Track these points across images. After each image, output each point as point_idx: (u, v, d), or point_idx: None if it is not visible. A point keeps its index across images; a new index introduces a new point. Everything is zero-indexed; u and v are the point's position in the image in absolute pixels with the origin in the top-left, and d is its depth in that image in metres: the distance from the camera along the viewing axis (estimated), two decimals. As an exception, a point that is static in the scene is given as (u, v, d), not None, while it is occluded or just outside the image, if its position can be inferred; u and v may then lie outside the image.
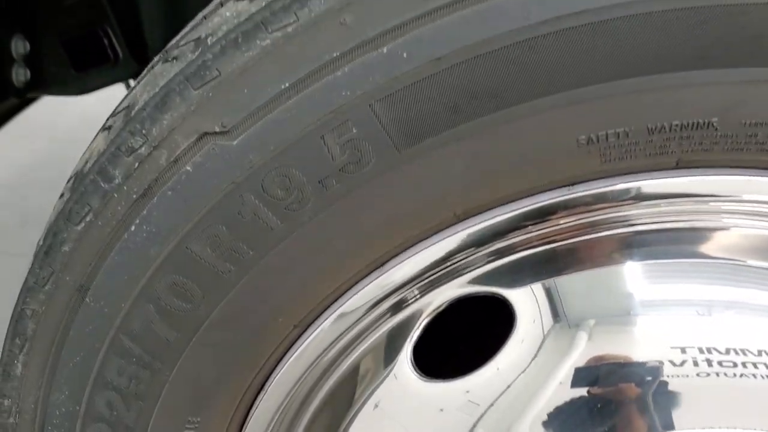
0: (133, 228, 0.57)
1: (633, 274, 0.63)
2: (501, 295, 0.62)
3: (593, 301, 0.64)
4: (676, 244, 0.61)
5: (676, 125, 0.53)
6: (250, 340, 0.62)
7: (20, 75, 1.38)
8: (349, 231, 0.57)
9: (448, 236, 0.59)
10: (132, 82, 1.75)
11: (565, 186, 0.57)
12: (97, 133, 0.61)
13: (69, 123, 3.28)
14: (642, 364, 0.63)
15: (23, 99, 1.48)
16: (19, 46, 1.37)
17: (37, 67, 1.42)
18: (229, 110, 0.53)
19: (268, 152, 0.54)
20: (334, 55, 0.51)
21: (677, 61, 0.50)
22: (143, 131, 0.55)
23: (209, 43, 0.53)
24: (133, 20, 1.38)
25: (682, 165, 0.56)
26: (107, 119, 0.61)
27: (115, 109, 0.61)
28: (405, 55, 0.51)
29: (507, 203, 0.58)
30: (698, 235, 0.61)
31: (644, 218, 0.60)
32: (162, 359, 0.62)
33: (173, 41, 0.61)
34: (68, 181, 0.62)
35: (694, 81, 0.51)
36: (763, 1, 0.48)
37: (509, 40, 0.50)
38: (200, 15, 0.61)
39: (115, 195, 0.57)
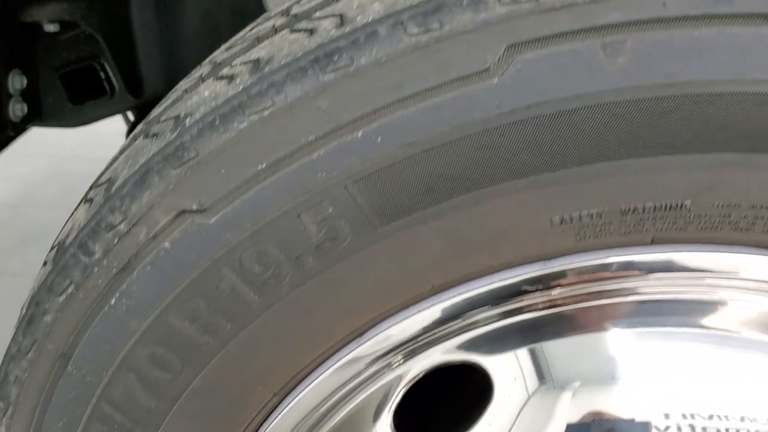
0: (113, 301, 0.58)
1: (620, 341, 0.63)
2: (478, 364, 0.62)
3: (578, 365, 0.65)
4: (668, 315, 0.61)
5: (649, 207, 0.53)
6: (230, 408, 0.62)
7: (17, 110, 1.40)
8: (327, 305, 0.57)
9: (426, 308, 0.59)
10: (129, 114, 1.76)
11: (541, 260, 0.57)
12: (79, 204, 0.62)
13: (69, 140, 3.29)
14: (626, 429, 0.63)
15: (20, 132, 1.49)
16: (16, 81, 1.38)
17: (34, 100, 1.43)
18: (206, 189, 0.54)
19: (245, 230, 0.54)
20: (310, 138, 0.52)
21: (645, 147, 0.50)
22: (123, 208, 0.56)
23: (187, 124, 0.54)
24: (128, 55, 1.39)
25: (657, 242, 0.56)
26: (89, 190, 0.62)
27: (97, 180, 0.61)
28: (379, 139, 0.51)
29: (485, 276, 0.58)
30: (691, 306, 0.61)
31: (634, 290, 0.60)
32: (143, 426, 0.63)
33: (154, 114, 0.62)
34: (51, 250, 0.63)
35: (663, 166, 0.51)
36: (731, 91, 0.48)
37: (480, 127, 0.50)
38: (181, 87, 0.62)
39: (96, 269, 0.58)
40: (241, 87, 0.53)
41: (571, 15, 0.48)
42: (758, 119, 0.49)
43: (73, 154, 3.27)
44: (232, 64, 0.57)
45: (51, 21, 1.28)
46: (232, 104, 0.53)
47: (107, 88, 1.42)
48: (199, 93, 0.56)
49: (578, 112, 0.49)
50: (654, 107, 0.49)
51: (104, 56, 1.35)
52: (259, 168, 0.53)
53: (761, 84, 0.48)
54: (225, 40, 1.38)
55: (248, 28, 0.65)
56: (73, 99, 1.44)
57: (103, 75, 1.41)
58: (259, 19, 0.66)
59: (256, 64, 0.54)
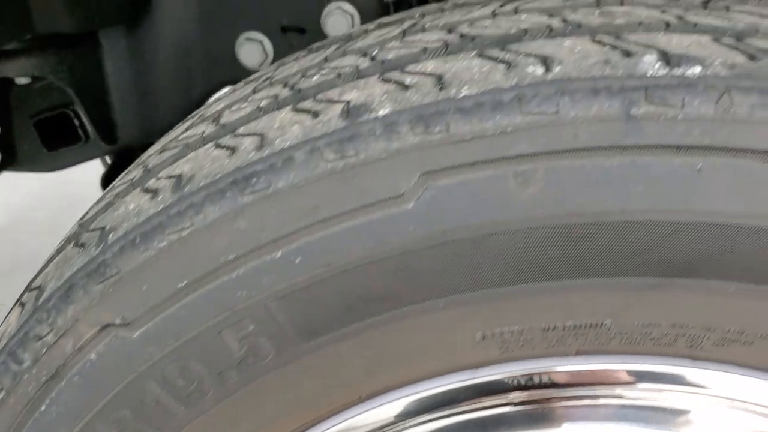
0: (43, 408, 0.58)
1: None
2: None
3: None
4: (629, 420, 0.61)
5: (570, 325, 0.53)
6: None
7: (-9, 157, 1.40)
8: (252, 416, 0.58)
9: (356, 414, 0.60)
10: (108, 159, 1.77)
11: (468, 370, 0.58)
12: (14, 306, 0.62)
13: (60, 164, 3.28)
14: None
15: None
16: (-9, 130, 1.39)
17: (9, 147, 1.44)
18: (128, 305, 0.54)
19: (167, 345, 0.54)
20: (230, 257, 0.52)
21: (560, 270, 0.50)
22: (49, 320, 0.56)
23: (110, 240, 0.54)
24: (101, 102, 1.39)
25: (582, 353, 0.56)
26: (23, 293, 0.62)
27: (31, 284, 0.62)
28: (298, 260, 0.51)
29: (414, 383, 0.58)
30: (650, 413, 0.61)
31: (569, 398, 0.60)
32: None
33: (88, 216, 0.62)
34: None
35: (580, 288, 0.51)
36: (643, 220, 0.48)
37: (397, 250, 0.50)
38: (114, 190, 0.62)
39: (26, 377, 0.58)
40: (161, 206, 0.53)
41: (481, 145, 0.48)
42: (671, 245, 0.49)
43: (63, 179, 3.27)
44: (159, 175, 0.57)
45: (21, 75, 1.29)
46: (153, 223, 0.53)
47: (81, 134, 1.43)
48: (126, 204, 0.57)
49: (493, 237, 0.50)
50: (567, 234, 0.49)
51: (76, 105, 1.36)
52: (180, 286, 0.53)
53: (673, 213, 0.48)
54: (198, 86, 1.38)
55: (184, 125, 0.66)
56: (47, 145, 1.44)
57: (77, 122, 1.42)
58: (195, 116, 0.66)
59: (179, 180, 0.54)
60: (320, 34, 1.32)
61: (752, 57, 0.48)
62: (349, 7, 1.29)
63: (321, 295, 0.52)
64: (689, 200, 0.48)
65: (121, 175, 0.66)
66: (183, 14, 1.36)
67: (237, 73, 1.40)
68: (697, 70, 0.47)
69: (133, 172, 0.63)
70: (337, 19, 1.29)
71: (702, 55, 0.48)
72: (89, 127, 1.41)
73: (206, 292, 0.53)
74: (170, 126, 1.44)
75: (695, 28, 0.52)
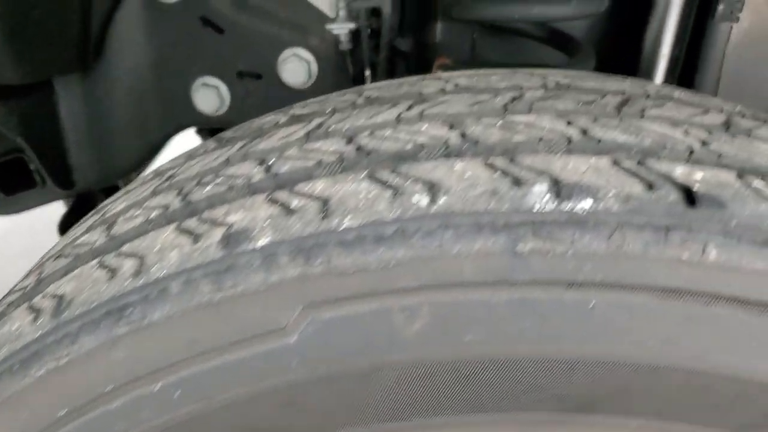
0: None
1: None
2: None
3: None
4: None
5: (469, 457, 0.51)
6: None
7: (-51, 201, 1.38)
8: None
9: None
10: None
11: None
12: None
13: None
14: None
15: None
16: (-53, 174, 1.36)
17: (-34, 191, 1.42)
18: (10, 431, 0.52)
19: (50, 474, 0.52)
20: (107, 389, 0.49)
21: (453, 406, 0.48)
22: (-72, 445, 0.54)
23: (-13, 366, 0.52)
24: (56, 148, 1.37)
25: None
26: None
27: None
28: (177, 394, 0.49)
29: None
30: None
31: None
32: None
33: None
34: None
35: (475, 422, 0.49)
36: (534, 356, 0.46)
37: (280, 384, 0.48)
38: (8, 299, 0.59)
39: None
40: (39, 332, 0.51)
41: (364, 279, 0.46)
42: (566, 383, 0.47)
43: (43, 203, 3.24)
44: (46, 291, 0.54)
45: (-32, 127, 1.27)
46: (30, 350, 0.50)
47: (38, 179, 1.41)
48: (12, 322, 0.54)
49: (380, 372, 0.47)
50: (457, 370, 0.47)
51: (27, 152, 1.33)
52: (59, 415, 0.50)
53: (565, 351, 0.46)
54: (155, 131, 1.35)
55: (87, 223, 0.63)
56: (5, 189, 1.42)
57: (32, 166, 1.40)
58: (99, 214, 0.64)
59: (60, 303, 0.51)
60: (277, 80, 1.30)
61: (650, 186, 0.46)
62: (306, 54, 1.27)
63: (204, 428, 0.50)
64: (582, 338, 0.45)
65: (22, 277, 0.63)
66: (137, 59, 1.34)
67: (193, 118, 1.38)
68: (587, 204, 0.45)
69: (30, 277, 0.60)
70: (293, 66, 1.27)
71: (596, 184, 0.45)
72: (45, 173, 1.39)
73: (85, 422, 0.50)
74: (128, 169, 1.42)
75: (598, 146, 0.49)
